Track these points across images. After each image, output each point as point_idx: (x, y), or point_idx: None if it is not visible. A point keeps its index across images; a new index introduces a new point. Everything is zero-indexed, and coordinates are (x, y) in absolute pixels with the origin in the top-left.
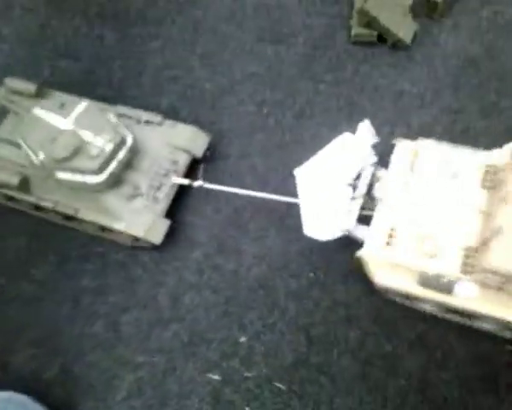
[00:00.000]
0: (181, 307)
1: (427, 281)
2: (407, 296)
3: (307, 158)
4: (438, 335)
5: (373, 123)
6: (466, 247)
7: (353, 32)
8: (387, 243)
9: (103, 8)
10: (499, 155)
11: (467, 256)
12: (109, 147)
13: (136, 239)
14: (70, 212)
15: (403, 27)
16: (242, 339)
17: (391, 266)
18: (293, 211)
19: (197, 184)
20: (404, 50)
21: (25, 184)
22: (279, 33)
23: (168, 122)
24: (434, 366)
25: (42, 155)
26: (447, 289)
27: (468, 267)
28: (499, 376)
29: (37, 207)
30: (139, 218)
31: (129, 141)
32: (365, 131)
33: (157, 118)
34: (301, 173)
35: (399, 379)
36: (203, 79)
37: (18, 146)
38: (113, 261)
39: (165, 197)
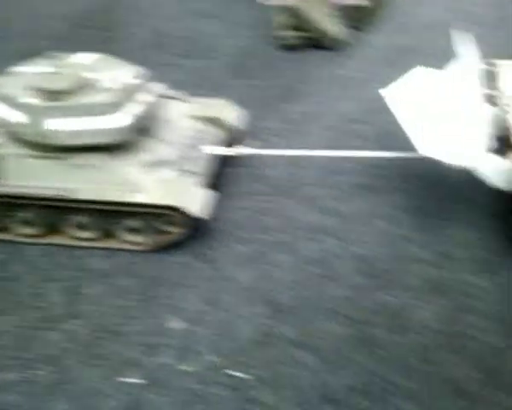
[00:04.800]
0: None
1: None
2: None
3: None
4: (448, 277)
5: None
6: None
7: (280, 33)
8: None
9: None
10: None
11: None
12: (134, 81)
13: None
14: (64, 194)
15: (334, 26)
16: (175, 324)
17: None
18: None
19: (237, 151)
20: (338, 51)
21: None
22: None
23: (194, 98)
24: (460, 313)
25: (30, 98)
26: None
27: None
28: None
29: None
30: (170, 188)
31: (158, 87)
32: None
33: (180, 94)
34: (391, 93)
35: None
36: None
37: None
38: None
39: (200, 169)
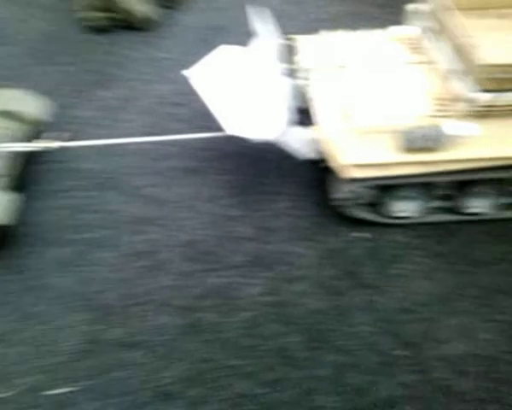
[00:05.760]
0: None
1: (413, 137)
2: (384, 178)
3: None
4: (272, 250)
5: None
6: (433, 96)
7: (87, 15)
8: (346, 117)
9: None
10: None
11: (439, 103)
12: None
13: None
14: None
15: (142, 5)
16: None
17: (359, 140)
18: None
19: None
20: (149, 31)
21: None
22: None
23: None
24: (283, 283)
25: None
26: (438, 135)
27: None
28: (360, 268)
29: None
30: None
31: None
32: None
33: None
34: (196, 73)
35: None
36: None
37: None
38: None
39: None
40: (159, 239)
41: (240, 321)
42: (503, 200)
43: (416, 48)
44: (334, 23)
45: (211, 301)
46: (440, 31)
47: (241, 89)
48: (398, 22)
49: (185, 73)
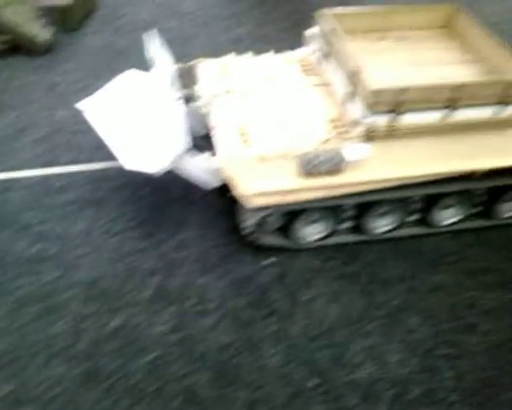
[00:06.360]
0: None
1: (312, 162)
2: (288, 204)
3: None
4: (178, 283)
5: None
6: (329, 119)
7: None
8: (245, 143)
9: None
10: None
11: (335, 126)
12: None
13: None
14: None
15: (38, 28)
16: None
17: (260, 168)
18: None
19: None
20: (45, 55)
21: None
22: None
23: None
24: (191, 317)
25: None
26: (337, 159)
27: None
28: (269, 296)
29: None
30: None
31: None
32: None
33: None
34: (90, 106)
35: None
36: None
37: None
38: None
39: None
40: (54, 280)
41: (144, 363)
42: (408, 218)
43: (312, 71)
44: (239, 45)
45: (112, 344)
46: (332, 54)
47: (136, 120)
48: (301, 45)
49: (78, 106)
